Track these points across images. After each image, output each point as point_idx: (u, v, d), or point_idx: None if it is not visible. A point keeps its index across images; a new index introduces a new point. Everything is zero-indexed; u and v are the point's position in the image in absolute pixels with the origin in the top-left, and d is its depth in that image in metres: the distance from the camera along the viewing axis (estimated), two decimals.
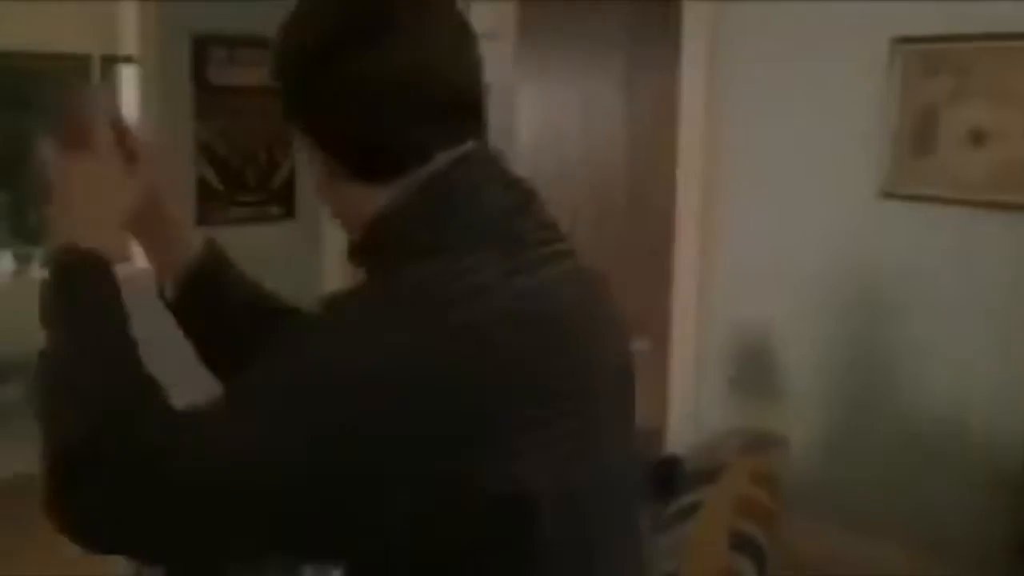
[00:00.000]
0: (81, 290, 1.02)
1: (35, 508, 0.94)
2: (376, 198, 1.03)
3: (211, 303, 1.27)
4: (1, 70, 5.16)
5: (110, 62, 4.85)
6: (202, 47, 4.98)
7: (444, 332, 0.92)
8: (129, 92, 4.88)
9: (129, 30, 4.78)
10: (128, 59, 4.80)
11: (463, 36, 1.05)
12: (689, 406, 3.93)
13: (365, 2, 1.01)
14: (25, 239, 4.87)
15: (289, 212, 5.45)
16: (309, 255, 5.53)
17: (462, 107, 1.04)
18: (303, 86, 1.03)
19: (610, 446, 1.07)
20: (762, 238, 3.69)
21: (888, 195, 3.33)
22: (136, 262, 1.20)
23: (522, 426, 0.94)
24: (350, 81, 0.99)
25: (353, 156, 1.03)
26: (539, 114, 4.60)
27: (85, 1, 4.69)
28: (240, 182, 5.23)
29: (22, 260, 4.64)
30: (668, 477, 2.62)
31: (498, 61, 6.45)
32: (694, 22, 3.79)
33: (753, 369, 3.75)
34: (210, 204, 5.01)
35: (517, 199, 1.05)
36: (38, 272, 4.72)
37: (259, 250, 5.10)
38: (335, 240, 5.67)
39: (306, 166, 1.10)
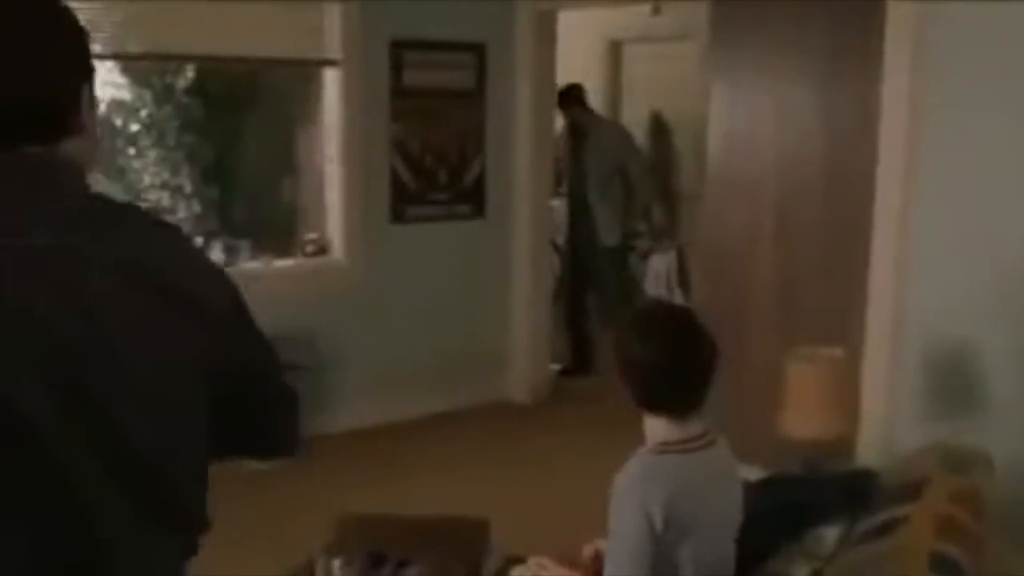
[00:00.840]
0: None
1: None
2: None
3: None
4: (215, 74, 5.49)
5: (315, 66, 5.08)
6: (398, 51, 5.15)
7: None
8: (332, 94, 5.09)
9: (333, 35, 4.99)
10: (331, 63, 5.02)
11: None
12: (881, 417, 3.78)
13: None
14: (233, 232, 5.15)
15: (479, 211, 5.54)
16: (498, 253, 5.61)
17: None
18: None
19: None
20: (963, 244, 3.51)
21: None
22: None
23: None
24: None
25: None
26: (732, 114, 4.53)
27: (292, 4, 4.91)
28: (432, 181, 5.37)
29: (231, 251, 4.91)
30: (861, 492, 2.53)
31: (687, 61, 6.39)
32: (898, 22, 3.66)
33: (951, 380, 3.57)
34: (404, 202, 5.16)
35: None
36: (246, 264, 4.97)
37: (450, 247, 5.29)
38: (523, 239, 5.74)
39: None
